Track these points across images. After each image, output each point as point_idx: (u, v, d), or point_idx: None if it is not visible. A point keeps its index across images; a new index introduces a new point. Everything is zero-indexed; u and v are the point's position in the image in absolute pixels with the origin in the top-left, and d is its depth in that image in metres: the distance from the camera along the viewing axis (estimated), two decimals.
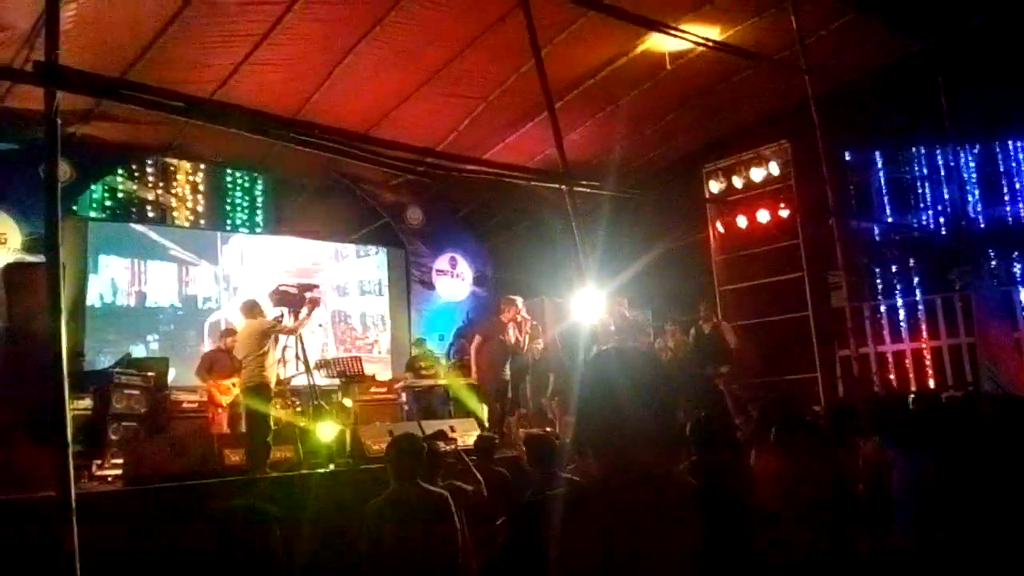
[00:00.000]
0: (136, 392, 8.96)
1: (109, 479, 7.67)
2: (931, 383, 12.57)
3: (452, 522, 4.50)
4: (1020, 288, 12.66)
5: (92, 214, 11.54)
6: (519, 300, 10.47)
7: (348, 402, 10.21)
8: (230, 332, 10.02)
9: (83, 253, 11.07)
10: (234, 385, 9.38)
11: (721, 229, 13.07)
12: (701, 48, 10.01)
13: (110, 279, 11.43)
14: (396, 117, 11.00)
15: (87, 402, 8.57)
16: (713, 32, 10.16)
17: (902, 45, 11.58)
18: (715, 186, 13.02)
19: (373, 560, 4.34)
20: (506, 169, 9.62)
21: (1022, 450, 4.53)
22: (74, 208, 11.07)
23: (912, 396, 9.00)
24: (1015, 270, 13.16)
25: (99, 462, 8.05)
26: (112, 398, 8.57)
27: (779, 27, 10.19)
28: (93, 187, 11.50)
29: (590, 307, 8.45)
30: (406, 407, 10.94)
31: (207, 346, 11.15)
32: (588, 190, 8.88)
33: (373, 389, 10.78)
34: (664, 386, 1.65)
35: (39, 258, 8.75)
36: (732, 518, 1.66)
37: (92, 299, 11.17)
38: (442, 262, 14.48)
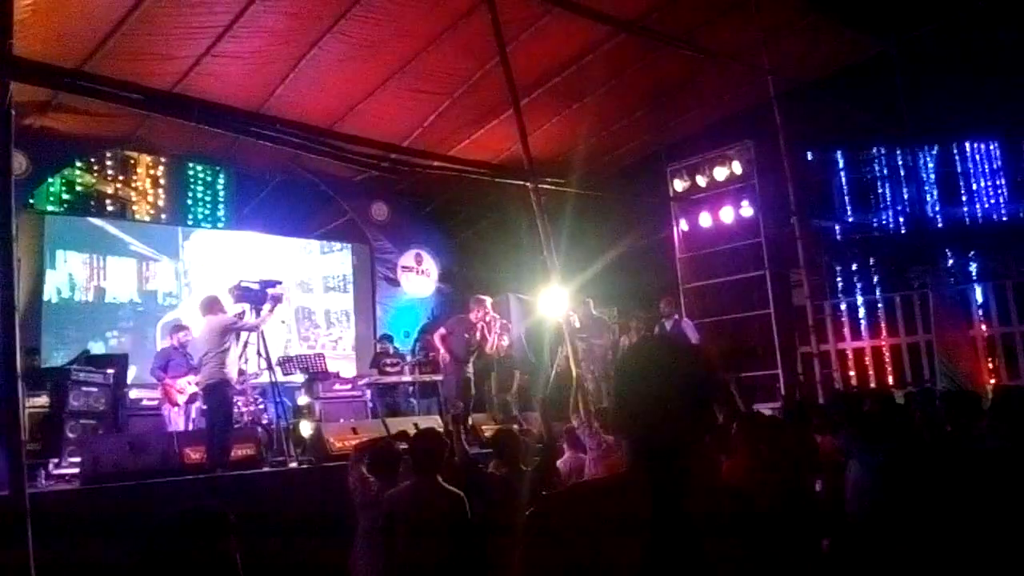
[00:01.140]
0: (94, 389, 8.82)
1: (67, 478, 7.55)
2: (890, 380, 12.79)
3: (467, 523, 4.42)
4: (976, 287, 12.91)
5: (49, 208, 11.33)
6: (488, 300, 10.46)
7: (311, 399, 10.15)
8: (180, 328, 9.91)
9: (40, 248, 10.86)
10: (189, 384, 9.29)
11: (685, 227, 13.17)
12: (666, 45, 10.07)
13: (68, 274, 11.22)
14: (361, 112, 10.92)
15: (43, 399, 8.41)
16: (678, 31, 10.22)
17: (863, 47, 11.75)
18: (679, 184, 13.11)
19: (388, 553, 4.27)
20: (471, 166, 9.62)
21: (974, 444, 4.62)
22: (31, 202, 10.85)
23: (866, 395, 9.16)
24: (971, 269, 13.41)
25: (56, 461, 7.92)
26: (69, 395, 8.43)
27: (743, 27, 10.28)
28: (50, 180, 11.26)
29: (555, 304, 8.46)
30: (370, 404, 10.89)
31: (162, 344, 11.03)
32: (553, 187, 8.90)
33: (337, 386, 10.70)
34: (706, 378, 1.68)
35: None
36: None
37: (49, 294, 10.96)
38: (407, 258, 14.42)
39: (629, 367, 1.73)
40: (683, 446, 1.62)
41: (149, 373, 9.77)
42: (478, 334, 10.18)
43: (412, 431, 7.25)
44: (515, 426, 9.00)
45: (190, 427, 9.20)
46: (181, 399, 9.38)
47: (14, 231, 4.51)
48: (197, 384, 8.82)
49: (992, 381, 11.72)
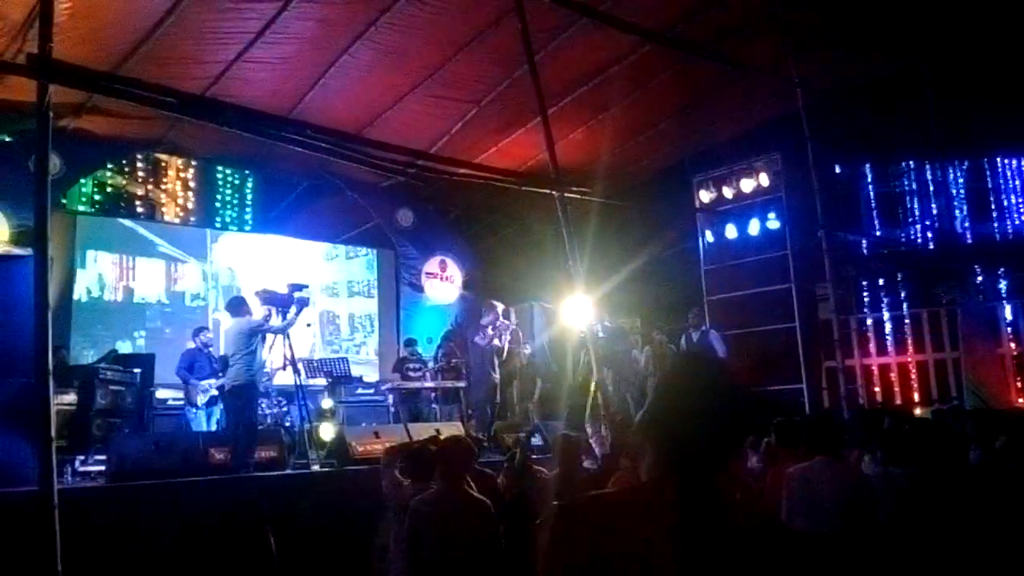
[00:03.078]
0: (121, 388, 8.90)
1: (92, 475, 7.63)
2: (916, 397, 12.65)
3: (496, 532, 4.37)
4: (1005, 304, 12.75)
5: (81, 208, 11.49)
6: (500, 306, 10.51)
7: (334, 403, 10.20)
8: (204, 329, 10.05)
9: (71, 247, 11.02)
10: (212, 386, 9.39)
11: (710, 239, 13.12)
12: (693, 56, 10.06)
13: (97, 274, 11.38)
14: (388, 119, 11.00)
15: (71, 397, 8.50)
16: (705, 42, 10.20)
17: (893, 60, 11.67)
18: (705, 196, 13.07)
19: (412, 559, 4.27)
20: (497, 174, 9.63)
21: (1000, 464, 4.57)
22: (63, 202, 11.01)
23: (887, 413, 9.09)
24: (1000, 286, 13.25)
25: (82, 458, 8.00)
26: (96, 393, 8.50)
27: (771, 39, 10.25)
28: (83, 181, 11.43)
29: (579, 313, 8.46)
30: (392, 409, 10.92)
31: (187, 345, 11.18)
32: (579, 196, 8.90)
33: (360, 390, 10.76)
34: (738, 399, 1.68)
35: (27, 251, 8.70)
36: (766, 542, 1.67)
37: (79, 293, 11.12)
38: (432, 265, 14.47)
39: (672, 380, 1.74)
40: (715, 463, 1.63)
41: (175, 373, 9.86)
42: (494, 340, 10.23)
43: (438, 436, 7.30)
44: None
45: (212, 428, 9.27)
46: (201, 400, 9.46)
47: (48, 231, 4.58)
48: (220, 386, 8.90)
49: (1020, 400, 11.57)
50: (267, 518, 2.38)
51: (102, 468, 7.50)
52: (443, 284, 14.56)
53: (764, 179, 12.40)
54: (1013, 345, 12.37)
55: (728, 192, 12.79)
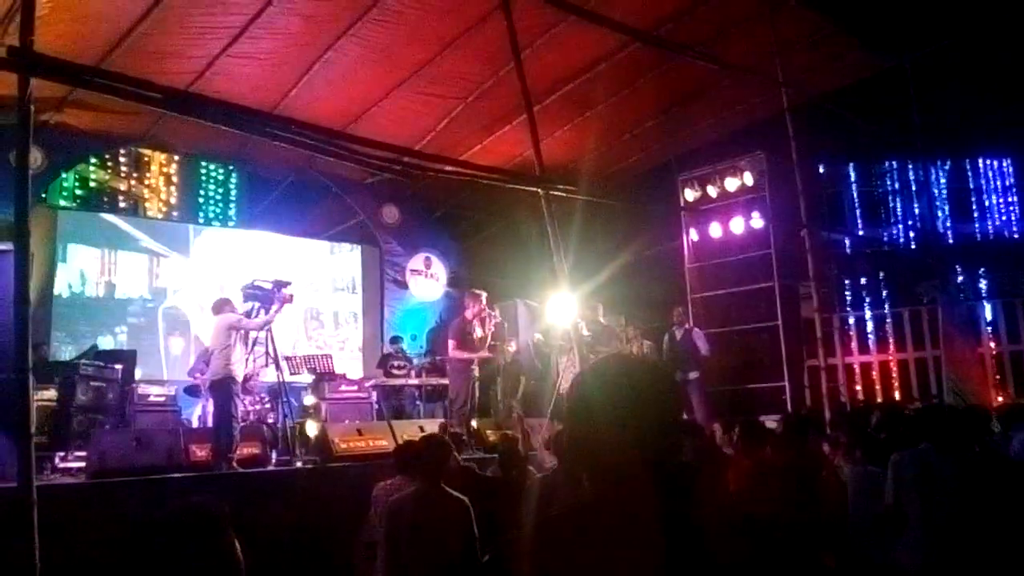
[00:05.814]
0: (102, 384, 8.83)
1: (72, 471, 7.58)
2: (897, 395, 12.74)
3: (471, 530, 4.35)
4: (986, 303, 12.86)
5: (63, 203, 11.41)
6: (483, 295, 10.47)
7: (317, 399, 10.17)
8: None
9: (52, 242, 10.94)
10: None
11: (695, 237, 13.16)
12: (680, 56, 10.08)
13: (79, 269, 11.30)
14: (374, 115, 10.97)
15: (51, 393, 8.44)
16: (692, 42, 10.23)
17: (877, 61, 11.73)
18: (690, 194, 13.10)
19: (389, 558, 4.26)
20: (483, 171, 9.61)
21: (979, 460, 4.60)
22: (44, 196, 10.93)
23: (875, 408, 9.13)
24: (981, 285, 13.37)
25: (62, 454, 7.94)
26: (77, 389, 8.44)
27: (757, 39, 10.28)
28: (64, 175, 11.36)
29: (563, 311, 8.47)
30: (376, 406, 10.90)
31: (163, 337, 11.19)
32: (564, 194, 8.90)
33: (343, 387, 10.72)
34: (666, 396, 1.62)
35: (7, 246, 8.61)
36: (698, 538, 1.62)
37: (60, 288, 11.03)
38: (416, 262, 14.45)
39: (583, 393, 1.63)
40: (661, 462, 1.56)
41: (188, 373, 9.85)
42: (477, 331, 10.18)
43: (420, 433, 7.30)
44: (509, 431, 9.03)
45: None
46: None
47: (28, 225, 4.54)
48: (204, 381, 8.88)
49: (999, 399, 11.67)
50: (228, 518, 2.36)
51: (82, 464, 7.46)
52: (428, 281, 14.55)
53: (748, 178, 12.44)
54: (993, 344, 12.47)
55: (712, 191, 12.83)
